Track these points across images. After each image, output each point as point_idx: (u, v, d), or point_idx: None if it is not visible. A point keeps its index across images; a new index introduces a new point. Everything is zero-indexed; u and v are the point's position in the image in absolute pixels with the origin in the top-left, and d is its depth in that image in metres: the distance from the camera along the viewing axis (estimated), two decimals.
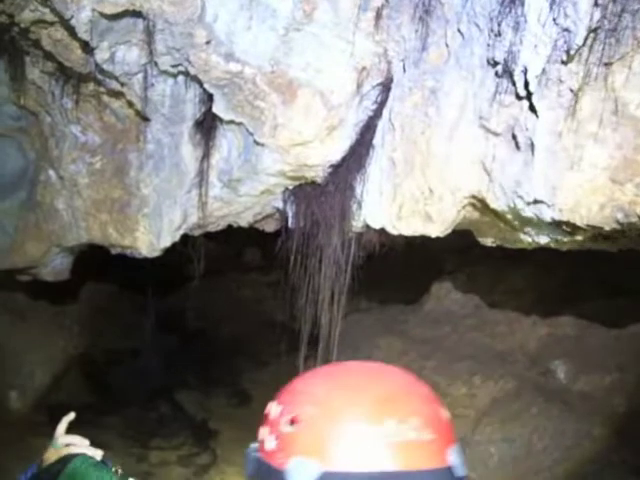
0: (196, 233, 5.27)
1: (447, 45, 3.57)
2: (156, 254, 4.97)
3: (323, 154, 4.25)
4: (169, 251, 4.92)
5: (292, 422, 1.15)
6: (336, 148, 4.24)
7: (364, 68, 3.98)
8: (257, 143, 4.24)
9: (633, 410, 5.42)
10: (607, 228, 3.16)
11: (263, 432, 1.24)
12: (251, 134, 4.26)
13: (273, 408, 1.25)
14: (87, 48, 3.87)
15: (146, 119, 4.53)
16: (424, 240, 4.23)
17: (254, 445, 1.26)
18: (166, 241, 4.90)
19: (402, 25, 3.77)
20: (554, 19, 2.84)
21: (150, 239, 4.91)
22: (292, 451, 1.13)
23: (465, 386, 6.16)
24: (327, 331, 4.69)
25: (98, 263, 5.09)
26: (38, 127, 4.86)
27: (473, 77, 3.46)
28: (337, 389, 1.23)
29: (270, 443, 1.20)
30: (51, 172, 5.02)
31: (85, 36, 3.74)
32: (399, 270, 6.90)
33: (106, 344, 7.17)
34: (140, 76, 4.24)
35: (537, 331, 6.34)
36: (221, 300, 8.47)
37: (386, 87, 4.03)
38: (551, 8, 2.85)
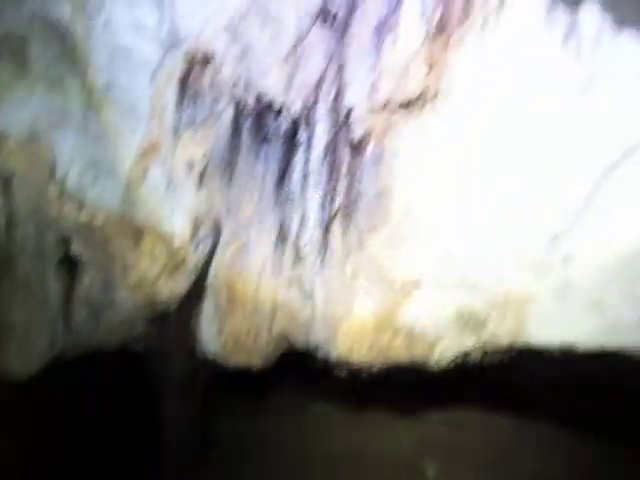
0: (69, 356, 5.77)
1: (255, 203, 4.28)
2: (25, 378, 5.44)
3: (169, 291, 4.87)
4: None
5: None
6: (180, 285, 4.86)
7: (197, 217, 4.65)
8: (112, 281, 4.84)
9: None
10: (374, 370, 3.80)
11: None
12: (107, 273, 4.86)
13: None
14: None
15: (15, 254, 5.10)
16: None
17: None
18: (34, 365, 5.40)
19: (224, 182, 4.48)
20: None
21: (19, 362, 5.40)
22: None
23: None
24: None
25: None
26: None
27: (272, 232, 4.17)
28: None
29: None
30: None
31: None
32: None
33: None
34: (2, 221, 4.84)
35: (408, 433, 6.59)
36: None
37: (217, 233, 4.71)
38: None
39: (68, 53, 4.21)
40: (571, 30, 3.04)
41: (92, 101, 4.35)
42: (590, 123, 3.18)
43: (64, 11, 4.11)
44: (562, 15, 3.05)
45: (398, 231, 3.62)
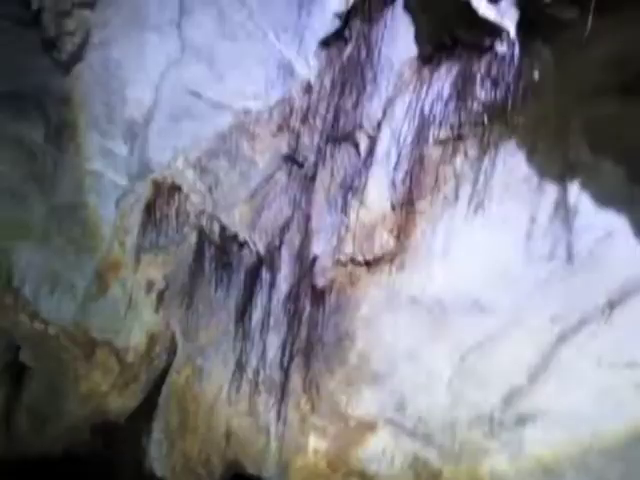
0: (11, 460, 5.59)
1: (213, 331, 4.27)
2: None
3: (120, 404, 4.79)
4: None
5: None
6: (131, 399, 4.78)
7: (153, 335, 4.62)
8: (61, 391, 4.74)
9: None
10: None
11: None
12: (56, 381, 4.76)
13: None
14: None
15: None
16: None
17: None
18: None
19: (182, 305, 4.48)
20: None
21: None
22: None
23: None
24: None
25: None
26: None
27: (230, 362, 4.16)
28: None
29: None
30: None
31: None
32: None
33: None
34: None
35: None
36: None
37: (172, 352, 4.68)
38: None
39: (36, 173, 4.25)
40: (558, 205, 3.17)
41: (55, 218, 4.37)
42: (551, 291, 3.29)
43: (38, 133, 4.16)
44: (550, 189, 3.19)
45: (355, 373, 3.66)
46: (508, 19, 2.37)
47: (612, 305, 2.91)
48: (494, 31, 2.43)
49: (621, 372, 2.95)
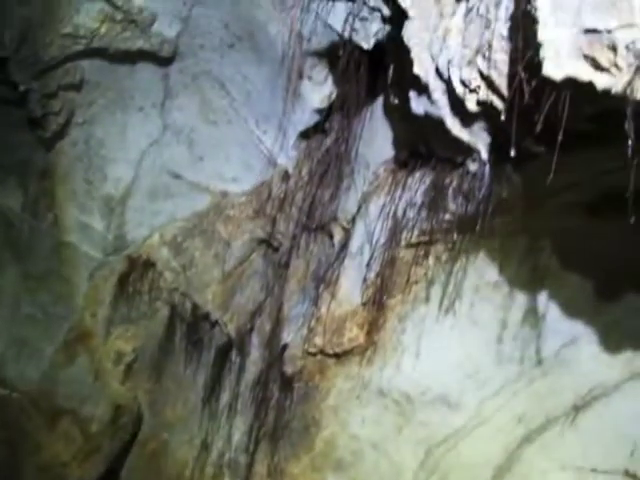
0: None
1: (180, 407, 4.24)
2: None
3: (80, 475, 4.70)
4: None
5: None
6: (92, 471, 4.70)
7: (119, 406, 4.57)
8: (20, 460, 4.65)
9: None
10: None
11: None
12: (16, 448, 4.66)
13: None
14: None
15: None
16: None
17: None
18: None
19: (151, 379, 4.44)
20: None
21: None
22: None
23: None
24: None
25: None
26: None
27: (196, 440, 4.11)
28: None
29: None
30: None
31: None
32: None
33: None
34: None
35: None
36: None
37: (138, 424, 4.62)
38: None
39: (11, 240, 4.26)
40: (527, 311, 3.24)
41: (27, 285, 4.36)
42: (519, 391, 3.34)
43: (16, 202, 4.19)
44: (520, 296, 3.26)
45: (321, 460, 3.65)
46: (480, 142, 2.44)
47: (577, 409, 2.95)
48: (467, 150, 2.50)
49: (583, 476, 2.97)
